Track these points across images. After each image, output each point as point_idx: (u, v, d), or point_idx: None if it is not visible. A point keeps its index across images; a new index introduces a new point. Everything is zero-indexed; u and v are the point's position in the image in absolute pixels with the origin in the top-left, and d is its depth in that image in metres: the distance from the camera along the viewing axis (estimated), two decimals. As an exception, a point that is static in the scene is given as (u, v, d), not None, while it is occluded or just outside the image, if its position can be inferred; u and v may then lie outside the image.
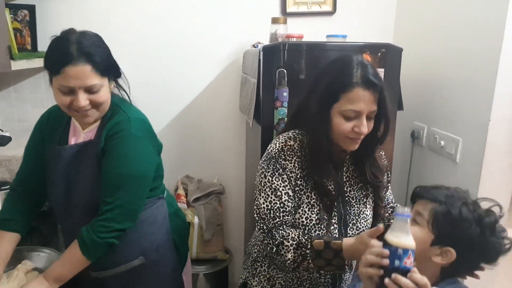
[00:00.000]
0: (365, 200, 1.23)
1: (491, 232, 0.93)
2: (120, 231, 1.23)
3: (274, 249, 1.12)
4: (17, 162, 1.97)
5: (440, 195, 0.96)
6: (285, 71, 1.61)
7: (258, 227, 1.16)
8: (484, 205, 0.98)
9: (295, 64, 1.62)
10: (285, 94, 1.62)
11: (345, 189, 1.21)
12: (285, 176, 1.13)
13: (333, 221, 1.17)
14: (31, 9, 1.98)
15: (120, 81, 1.33)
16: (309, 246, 1.08)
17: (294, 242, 1.10)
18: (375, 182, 1.21)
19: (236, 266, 2.43)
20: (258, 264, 1.31)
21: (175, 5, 2.15)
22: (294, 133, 1.20)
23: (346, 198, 1.20)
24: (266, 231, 1.13)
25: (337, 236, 1.17)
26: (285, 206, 1.13)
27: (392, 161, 1.85)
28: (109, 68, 1.22)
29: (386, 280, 0.82)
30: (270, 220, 1.13)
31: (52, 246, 1.46)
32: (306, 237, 1.10)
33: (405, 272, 0.81)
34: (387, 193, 1.33)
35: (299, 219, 1.16)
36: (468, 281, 1.02)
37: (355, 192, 1.22)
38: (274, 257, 1.13)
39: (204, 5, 2.17)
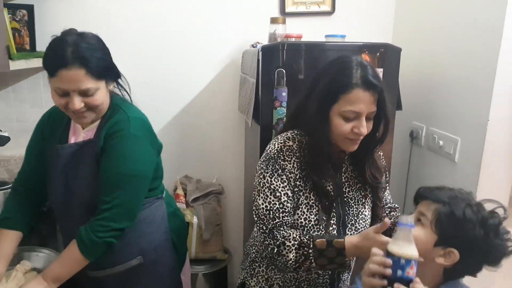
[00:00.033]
0: (363, 200, 1.23)
1: (495, 234, 0.92)
2: (119, 231, 1.23)
3: (275, 249, 1.10)
4: (16, 162, 1.97)
5: (443, 196, 0.96)
6: (284, 71, 1.61)
7: (258, 227, 1.15)
8: (488, 206, 0.97)
9: (294, 64, 1.62)
10: (284, 94, 1.62)
11: (344, 189, 1.20)
12: (284, 176, 1.13)
13: (332, 221, 1.17)
14: (30, 9, 1.97)
15: (120, 81, 1.33)
16: (311, 246, 1.07)
17: (296, 242, 1.09)
18: (374, 183, 1.21)
19: (235, 266, 2.43)
20: (256, 264, 1.31)
21: (174, 5, 2.15)
22: (293, 133, 1.20)
23: (345, 199, 1.20)
24: (266, 232, 1.12)
25: (336, 236, 1.17)
26: (285, 207, 1.12)
27: (391, 161, 1.85)
28: (106, 71, 1.21)
29: None
30: (270, 221, 1.12)
31: (50, 246, 1.46)
32: (307, 237, 1.09)
33: (407, 282, 0.81)
34: (385, 193, 1.32)
35: (297, 219, 1.15)
36: (468, 281, 1.02)
37: (354, 192, 1.21)
38: (275, 258, 1.12)
39: (203, 5, 2.17)
